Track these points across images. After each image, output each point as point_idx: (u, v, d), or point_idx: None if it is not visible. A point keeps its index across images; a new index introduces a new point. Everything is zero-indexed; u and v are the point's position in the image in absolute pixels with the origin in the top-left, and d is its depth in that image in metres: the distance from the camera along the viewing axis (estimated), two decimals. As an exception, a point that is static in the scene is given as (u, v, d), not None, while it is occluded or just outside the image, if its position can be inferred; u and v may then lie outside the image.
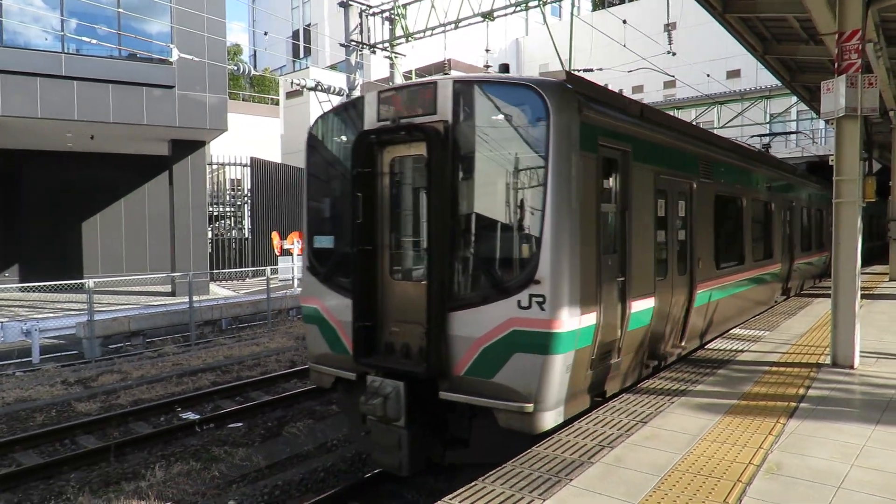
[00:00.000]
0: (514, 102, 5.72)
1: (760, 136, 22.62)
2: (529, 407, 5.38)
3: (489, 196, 5.91)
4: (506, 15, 19.08)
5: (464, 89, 5.89)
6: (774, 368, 7.52)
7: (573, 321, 5.54)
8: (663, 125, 7.98)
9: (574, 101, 5.72)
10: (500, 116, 5.84)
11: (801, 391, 6.53)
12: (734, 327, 10.43)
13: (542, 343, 5.38)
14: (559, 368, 5.46)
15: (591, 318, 5.84)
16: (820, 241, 18.17)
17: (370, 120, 6.49)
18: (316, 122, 7.22)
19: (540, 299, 5.38)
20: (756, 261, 11.56)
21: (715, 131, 18.69)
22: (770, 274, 12.66)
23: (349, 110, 6.83)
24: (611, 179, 6.56)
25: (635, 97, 10.14)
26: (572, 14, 20.80)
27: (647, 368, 7.54)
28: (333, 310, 6.73)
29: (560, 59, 16.11)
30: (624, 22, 23.71)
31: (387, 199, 6.44)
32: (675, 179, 8.03)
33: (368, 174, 6.33)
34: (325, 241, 7.04)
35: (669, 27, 23.02)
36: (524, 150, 5.67)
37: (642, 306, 6.93)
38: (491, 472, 4.53)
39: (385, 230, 6.43)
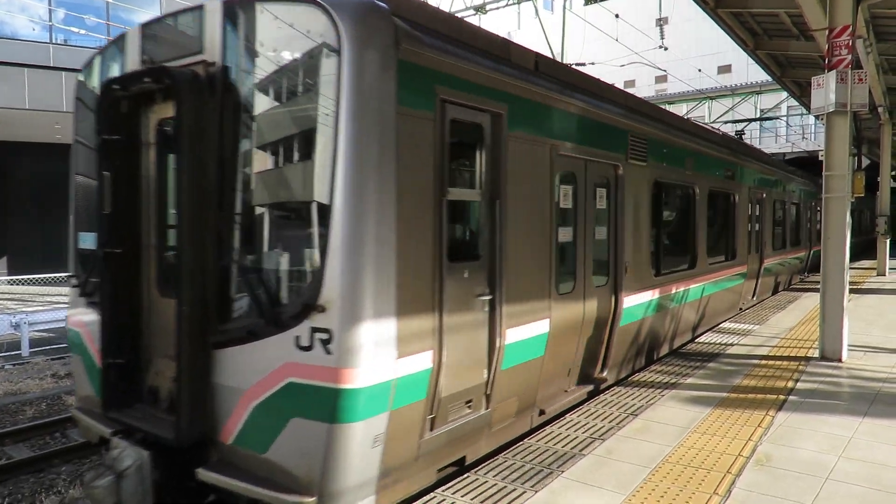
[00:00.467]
0: (298, 29, 3.88)
1: (734, 121, 21.77)
2: (309, 502, 3.65)
3: (262, 174, 4.12)
4: (498, 8, 19.08)
5: (236, 13, 4.11)
6: (764, 362, 7.60)
7: (384, 367, 3.81)
8: (571, 85, 6.10)
9: (388, 29, 3.88)
10: (280, 52, 4.00)
11: (790, 384, 6.60)
12: (688, 342, 9.12)
13: (325, 405, 3.63)
14: (357, 443, 3.72)
15: (423, 360, 4.14)
16: (797, 238, 16.87)
17: (133, 64, 4.68)
18: (86, 65, 5.25)
19: (325, 336, 3.63)
20: (714, 263, 10.04)
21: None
22: (733, 277, 11.07)
23: (120, 51, 4.86)
24: (472, 154, 4.81)
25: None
26: (565, 7, 20.78)
27: (542, 414, 5.82)
28: (96, 336, 4.69)
29: (552, 52, 16.14)
30: (616, 16, 23.72)
31: (153, 180, 4.58)
32: (590, 160, 6.28)
33: (120, 144, 4.47)
34: (89, 240, 5.01)
35: (661, 22, 23.08)
36: (307, 103, 3.85)
37: (528, 332, 5.24)
38: (484, 465, 4.55)
39: (150, 225, 4.58)
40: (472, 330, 4.68)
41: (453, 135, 4.46)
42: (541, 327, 5.43)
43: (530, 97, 5.31)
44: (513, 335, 5.00)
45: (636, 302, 7.26)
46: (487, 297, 4.80)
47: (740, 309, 12.00)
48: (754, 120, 23.68)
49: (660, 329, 8.29)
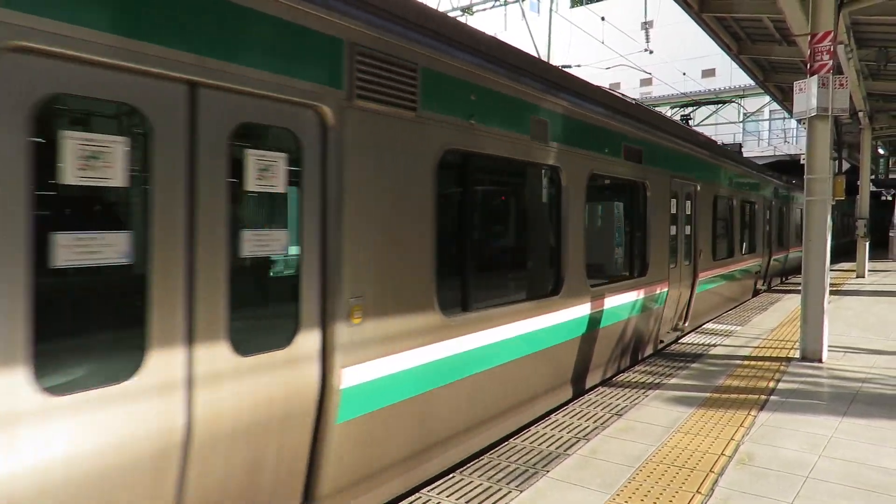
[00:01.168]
0: None
1: (682, 105, 18.65)
2: None
3: None
4: (485, 10, 19.14)
5: None
6: (746, 362, 7.68)
7: None
8: None
9: None
10: None
11: (772, 384, 6.68)
12: (554, 411, 6.10)
13: None
14: None
15: None
16: (751, 243, 14.30)
17: None
18: None
19: None
20: (602, 284, 6.91)
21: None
22: (644, 301, 8.09)
23: None
24: None
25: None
26: (551, 10, 20.87)
27: None
28: None
29: (538, 53, 16.19)
30: (602, 19, 23.88)
31: None
32: (211, 86, 3.02)
33: None
34: None
35: (647, 25, 23.27)
36: None
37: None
38: (469, 465, 4.56)
39: None
40: None
41: None
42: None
43: None
44: None
45: (388, 371, 4.01)
46: None
47: (661, 342, 9.19)
48: (707, 103, 20.08)
49: (465, 409, 4.90)
